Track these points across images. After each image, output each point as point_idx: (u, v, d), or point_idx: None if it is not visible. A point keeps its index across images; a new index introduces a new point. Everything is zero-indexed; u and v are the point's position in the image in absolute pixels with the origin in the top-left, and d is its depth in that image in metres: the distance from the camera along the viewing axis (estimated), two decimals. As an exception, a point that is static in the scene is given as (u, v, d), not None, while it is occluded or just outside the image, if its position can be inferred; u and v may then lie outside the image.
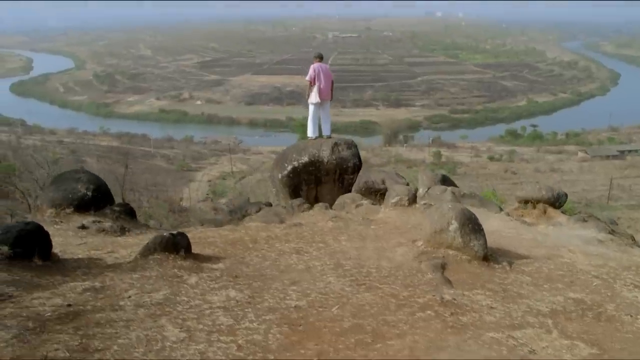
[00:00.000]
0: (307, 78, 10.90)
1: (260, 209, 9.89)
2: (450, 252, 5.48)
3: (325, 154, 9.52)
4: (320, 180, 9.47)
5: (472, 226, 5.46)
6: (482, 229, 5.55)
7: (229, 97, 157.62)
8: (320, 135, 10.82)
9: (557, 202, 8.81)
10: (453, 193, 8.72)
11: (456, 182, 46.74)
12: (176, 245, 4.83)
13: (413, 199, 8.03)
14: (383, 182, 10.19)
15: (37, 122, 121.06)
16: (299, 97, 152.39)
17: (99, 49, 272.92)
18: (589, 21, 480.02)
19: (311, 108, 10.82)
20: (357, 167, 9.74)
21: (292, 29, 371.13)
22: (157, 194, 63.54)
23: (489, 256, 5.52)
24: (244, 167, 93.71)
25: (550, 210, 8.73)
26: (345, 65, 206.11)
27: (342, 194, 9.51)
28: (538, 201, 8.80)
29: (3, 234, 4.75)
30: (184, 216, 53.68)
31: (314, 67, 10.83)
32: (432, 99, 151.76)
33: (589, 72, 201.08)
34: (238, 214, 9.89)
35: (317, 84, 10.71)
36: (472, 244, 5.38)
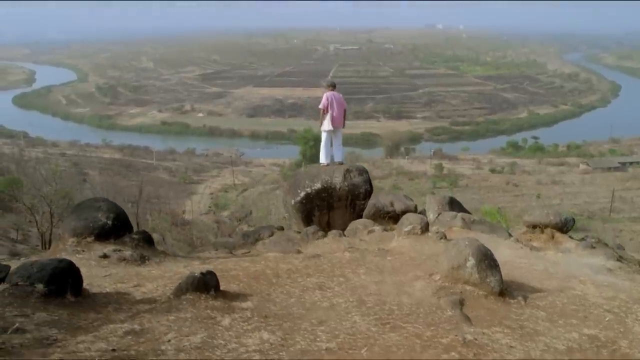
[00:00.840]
0: (320, 106, 11.13)
1: (272, 233, 10.09)
2: (468, 287, 5.65)
3: (337, 180, 9.75)
4: (332, 206, 9.69)
5: (488, 262, 5.64)
6: (498, 265, 5.73)
7: (230, 110, 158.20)
8: (332, 162, 11.02)
9: (564, 227, 9.00)
10: (463, 219, 8.91)
11: (458, 194, 46.93)
12: (206, 284, 5.01)
13: (425, 227, 8.23)
14: (392, 205, 10.38)
15: (40, 135, 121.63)
16: (300, 110, 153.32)
17: (102, 61, 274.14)
18: (589, 33, 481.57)
19: (324, 135, 11.04)
20: (369, 193, 9.96)
21: (294, 42, 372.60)
22: (159, 207, 63.82)
23: (505, 291, 5.70)
24: (246, 179, 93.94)
25: (558, 235, 8.92)
26: (346, 77, 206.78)
27: (354, 219, 9.72)
28: (546, 226, 9.00)
29: (38, 271, 4.92)
30: (187, 230, 54.00)
31: (327, 95, 11.06)
32: (433, 111, 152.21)
33: (590, 84, 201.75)
34: (251, 237, 10.09)
35: (329, 112, 10.93)
36: (488, 280, 5.56)
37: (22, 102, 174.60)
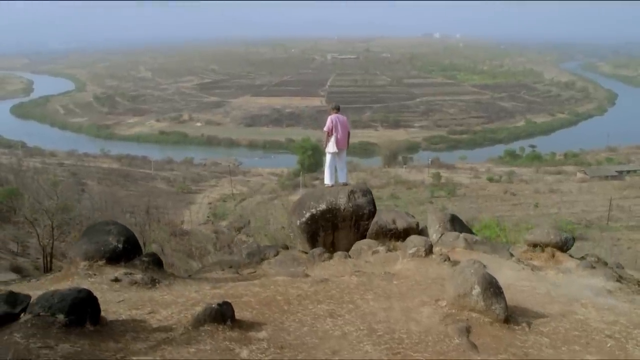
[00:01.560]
0: (325, 129, 11.33)
1: (278, 253, 10.28)
2: (474, 314, 5.83)
3: (342, 201, 9.95)
4: (337, 226, 9.89)
5: (493, 290, 5.82)
6: (502, 292, 5.91)
7: (228, 119, 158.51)
8: (337, 182, 11.21)
9: (564, 246, 9.21)
10: (465, 240, 9.10)
11: (456, 203, 47.19)
12: (223, 315, 5.17)
13: (429, 249, 8.42)
14: (394, 222, 10.58)
15: (38, 144, 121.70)
16: (298, 119, 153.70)
17: (100, 71, 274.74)
18: (586, 42, 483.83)
19: (328, 157, 11.24)
20: (372, 213, 10.15)
21: (292, 51, 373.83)
22: (158, 217, 63.85)
23: (509, 317, 5.87)
24: (244, 189, 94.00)
25: (559, 254, 9.12)
26: (344, 86, 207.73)
27: (358, 239, 9.91)
28: (546, 245, 9.20)
29: (59, 302, 5.08)
30: (185, 240, 54.04)
31: (332, 118, 11.28)
32: (431, 120, 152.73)
33: (587, 92, 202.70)
34: (256, 257, 10.25)
35: (334, 134, 11.13)
36: (493, 307, 5.73)
37: (20, 111, 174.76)
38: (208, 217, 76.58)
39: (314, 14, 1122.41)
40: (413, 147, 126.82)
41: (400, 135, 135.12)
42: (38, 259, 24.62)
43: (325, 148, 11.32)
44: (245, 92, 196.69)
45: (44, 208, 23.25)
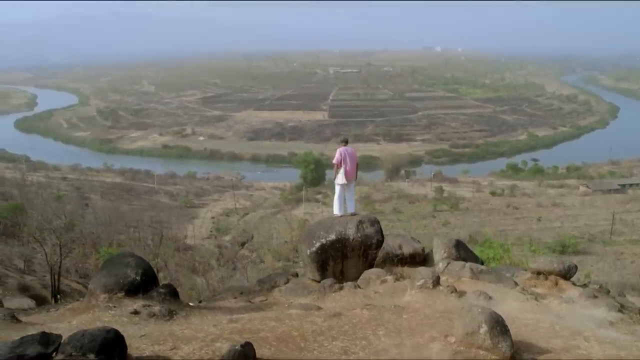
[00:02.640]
0: (334, 161, 11.71)
1: (288, 280, 10.61)
2: (481, 352, 6.08)
3: (351, 232, 10.28)
4: (346, 255, 10.22)
5: (500, 329, 6.09)
6: (509, 330, 6.18)
7: (231, 133, 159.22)
8: (346, 212, 11.55)
9: (567, 274, 9.49)
10: (471, 269, 9.40)
11: (459, 217, 47.45)
12: (246, 356, 5.43)
13: (437, 281, 8.72)
14: (400, 248, 10.94)
15: (41, 159, 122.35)
16: (300, 133, 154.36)
17: (103, 85, 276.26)
18: (587, 55, 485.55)
19: (337, 188, 11.60)
20: (380, 242, 10.49)
21: (294, 65, 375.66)
22: (161, 232, 64.06)
23: (515, 353, 6.14)
24: (247, 203, 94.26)
25: (562, 282, 9.40)
26: (346, 100, 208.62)
27: (367, 267, 10.24)
28: (550, 273, 9.48)
29: (89, 342, 5.36)
30: (189, 255, 54.20)
31: (340, 151, 11.67)
32: (433, 133, 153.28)
33: (588, 105, 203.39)
34: (267, 284, 10.56)
35: (343, 166, 11.51)
36: (500, 345, 6.00)
37: (23, 126, 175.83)
38: (211, 231, 76.81)
39: (315, 28, 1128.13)
40: (415, 161, 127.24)
41: (402, 149, 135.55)
42: (45, 276, 24.89)
43: (334, 180, 11.69)
44: (247, 106, 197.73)
45: (51, 227, 23.61)
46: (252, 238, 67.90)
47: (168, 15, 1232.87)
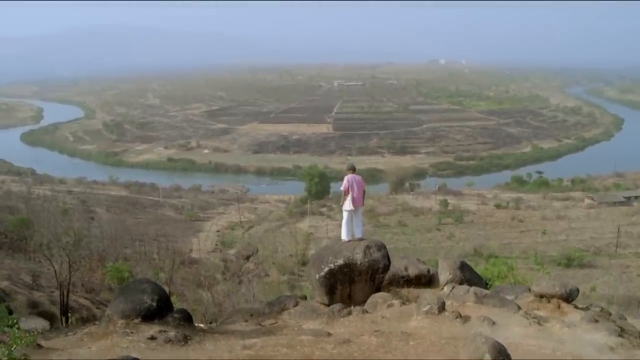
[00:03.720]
0: (342, 188, 12.06)
1: (297, 303, 10.84)
2: (485, 381, 6.19)
3: (358, 256, 10.54)
4: (353, 280, 10.46)
5: (502, 358, 6.22)
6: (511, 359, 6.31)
7: (236, 146, 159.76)
8: (353, 237, 11.80)
9: (569, 297, 9.60)
10: (475, 294, 9.54)
11: (464, 230, 47.36)
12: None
13: (442, 307, 8.87)
14: (406, 269, 11.08)
15: (47, 172, 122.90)
16: (305, 145, 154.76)
17: (109, 98, 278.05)
18: (591, 67, 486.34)
19: (345, 214, 11.94)
20: (387, 267, 10.73)
21: (298, 78, 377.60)
22: (166, 245, 64.12)
23: (517, 382, 6.26)
24: (252, 216, 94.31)
25: (564, 305, 9.50)
26: (350, 113, 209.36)
27: (374, 291, 10.48)
28: (552, 296, 9.58)
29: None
30: (194, 269, 54.16)
31: (348, 178, 11.99)
32: (438, 146, 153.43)
33: (593, 117, 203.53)
34: (276, 307, 10.74)
35: (350, 193, 11.80)
36: (503, 374, 6.12)
37: (30, 139, 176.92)
38: (216, 245, 76.85)
39: (319, 41, 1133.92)
40: (420, 174, 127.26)
41: (407, 161, 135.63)
42: (53, 292, 24.93)
43: (342, 206, 11.98)
44: (252, 119, 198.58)
45: (60, 245, 23.72)
46: (257, 251, 67.92)
47: (173, 29, 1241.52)
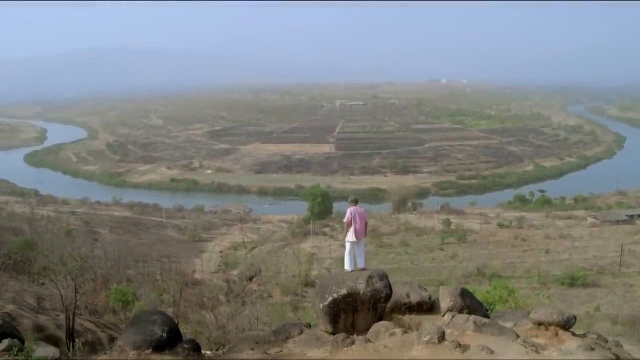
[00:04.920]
0: (345, 220, 12.44)
1: (302, 331, 11.10)
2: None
3: (361, 286, 10.88)
4: (356, 309, 10.79)
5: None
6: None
7: (238, 166, 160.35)
8: (356, 267, 12.14)
9: (567, 324, 9.82)
10: (475, 322, 9.75)
11: (467, 250, 47.41)
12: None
13: (442, 336, 9.09)
14: (408, 296, 11.34)
15: (50, 192, 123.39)
16: (307, 165, 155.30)
17: (112, 119, 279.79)
18: (592, 85, 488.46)
19: (348, 245, 12.35)
20: (389, 296, 11.05)
21: (300, 98, 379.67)
22: (170, 266, 64.16)
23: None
24: (254, 236, 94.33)
25: (561, 332, 9.72)
26: (352, 132, 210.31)
27: (376, 320, 10.76)
28: (550, 324, 9.81)
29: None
30: (197, 290, 54.13)
31: (351, 210, 12.39)
32: (440, 165, 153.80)
33: (594, 135, 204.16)
34: (281, 335, 11.00)
35: (353, 225, 12.16)
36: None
37: (33, 160, 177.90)
38: (219, 265, 76.81)
39: (321, 61, 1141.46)
40: (422, 193, 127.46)
41: (409, 180, 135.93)
42: (58, 315, 25.03)
43: (345, 237, 12.34)
44: (255, 139, 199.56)
45: (67, 269, 23.95)
46: (260, 272, 67.80)
47: (175, 50, 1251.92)
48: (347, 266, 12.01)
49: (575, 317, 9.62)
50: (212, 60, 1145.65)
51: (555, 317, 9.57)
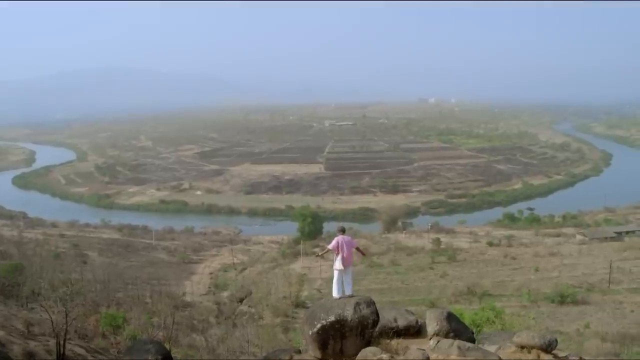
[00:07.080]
0: (330, 247, 12.61)
1: (292, 357, 11.33)
2: None
3: (348, 313, 11.09)
4: (344, 335, 10.97)
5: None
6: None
7: (228, 187, 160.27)
8: (344, 294, 12.36)
9: (548, 347, 10.12)
10: (459, 347, 9.99)
11: (457, 269, 47.81)
12: None
13: None
14: (395, 321, 11.62)
15: (39, 215, 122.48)
16: (297, 186, 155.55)
17: (101, 140, 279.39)
18: (579, 103, 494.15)
19: (336, 273, 12.62)
20: (376, 322, 11.30)
21: (290, 118, 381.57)
22: (160, 289, 63.82)
23: None
24: (245, 258, 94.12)
25: (543, 355, 9.99)
26: (342, 152, 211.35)
27: (364, 345, 10.96)
28: (532, 347, 10.07)
29: None
30: (187, 312, 53.81)
31: (338, 239, 12.65)
32: (429, 184, 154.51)
33: (582, 153, 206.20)
34: None
35: (340, 253, 12.37)
36: None
37: (21, 182, 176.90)
38: (209, 287, 76.55)
39: (310, 82, 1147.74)
40: (412, 212, 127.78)
41: (399, 200, 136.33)
42: (48, 341, 24.91)
43: (333, 266, 12.58)
44: (244, 159, 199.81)
45: (57, 295, 23.96)
46: (250, 294, 67.61)
47: (164, 71, 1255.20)
48: (335, 293, 12.23)
49: (556, 340, 9.89)
50: (202, 80, 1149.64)
51: (537, 340, 9.83)
